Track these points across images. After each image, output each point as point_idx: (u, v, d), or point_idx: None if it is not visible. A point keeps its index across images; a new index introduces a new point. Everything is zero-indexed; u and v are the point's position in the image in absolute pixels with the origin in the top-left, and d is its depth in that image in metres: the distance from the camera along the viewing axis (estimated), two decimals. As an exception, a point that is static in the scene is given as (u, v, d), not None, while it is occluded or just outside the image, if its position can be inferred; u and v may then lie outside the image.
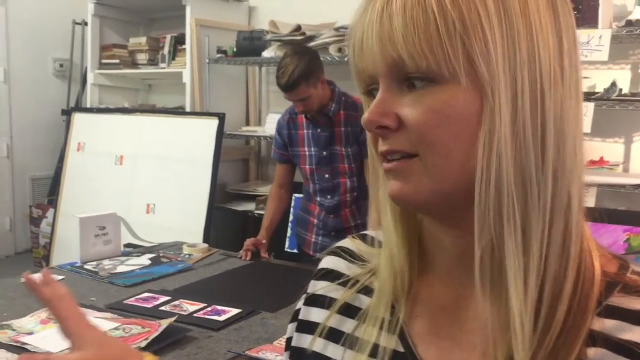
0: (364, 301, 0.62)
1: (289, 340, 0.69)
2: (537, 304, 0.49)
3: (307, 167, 2.50)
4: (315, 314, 0.66)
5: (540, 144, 0.48)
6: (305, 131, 2.48)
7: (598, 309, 0.50)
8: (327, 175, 2.48)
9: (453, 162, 0.49)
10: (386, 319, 0.58)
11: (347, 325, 0.62)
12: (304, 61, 2.27)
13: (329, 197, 2.50)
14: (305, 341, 0.65)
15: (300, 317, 0.68)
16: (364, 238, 0.68)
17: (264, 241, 2.49)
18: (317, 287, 0.67)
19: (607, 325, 0.49)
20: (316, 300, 0.66)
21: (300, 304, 0.69)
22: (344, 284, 0.65)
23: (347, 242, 0.69)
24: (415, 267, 0.59)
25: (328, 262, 0.68)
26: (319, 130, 2.44)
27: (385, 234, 0.60)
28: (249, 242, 2.44)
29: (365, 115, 0.52)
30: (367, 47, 0.51)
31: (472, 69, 0.47)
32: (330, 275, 0.67)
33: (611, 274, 0.52)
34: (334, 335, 0.62)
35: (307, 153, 2.49)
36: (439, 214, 0.54)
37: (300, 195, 3.29)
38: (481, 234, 0.50)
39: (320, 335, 0.63)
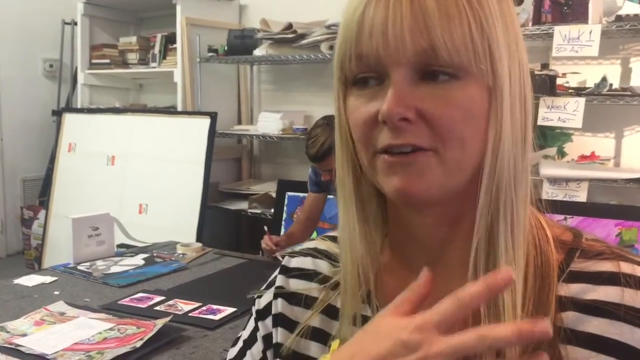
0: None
1: (267, 336, 0.67)
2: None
3: None
4: (299, 313, 0.65)
5: (524, 138, 0.53)
6: None
7: (562, 276, 0.54)
8: None
9: (467, 157, 0.51)
10: (359, 315, 0.58)
11: (333, 326, 0.62)
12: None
13: None
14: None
15: (280, 311, 0.66)
16: (334, 239, 0.67)
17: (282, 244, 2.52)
18: (295, 285, 0.66)
19: (573, 289, 0.53)
20: (296, 298, 0.65)
21: (268, 297, 0.68)
22: (321, 282, 0.64)
23: (319, 243, 0.68)
24: (379, 260, 0.60)
25: (306, 262, 0.67)
26: None
27: (346, 228, 0.59)
28: (272, 240, 2.48)
29: (388, 106, 0.49)
30: (391, 32, 0.49)
31: (492, 69, 0.50)
32: (310, 275, 0.66)
33: (569, 242, 0.56)
34: (318, 336, 0.62)
35: None
36: (431, 207, 0.55)
37: (294, 194, 3.29)
38: (480, 224, 0.52)
39: (302, 336, 0.62)
